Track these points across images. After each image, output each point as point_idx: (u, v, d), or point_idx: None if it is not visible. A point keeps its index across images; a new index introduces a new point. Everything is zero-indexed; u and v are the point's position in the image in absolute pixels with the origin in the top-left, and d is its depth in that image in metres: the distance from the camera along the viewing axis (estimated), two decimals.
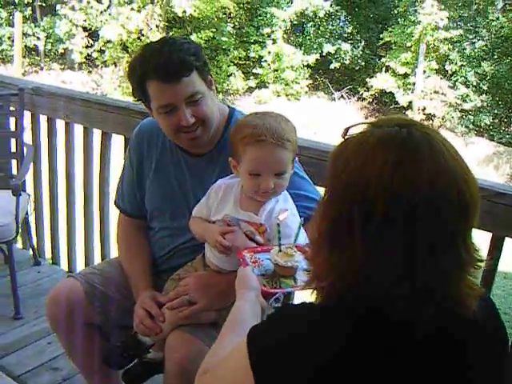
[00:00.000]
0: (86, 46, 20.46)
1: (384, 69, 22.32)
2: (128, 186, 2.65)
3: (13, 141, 3.99)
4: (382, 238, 1.24)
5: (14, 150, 3.99)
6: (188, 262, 2.39)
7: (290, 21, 22.94)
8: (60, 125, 3.92)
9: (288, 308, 1.46)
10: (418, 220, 1.22)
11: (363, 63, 23.73)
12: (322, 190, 2.82)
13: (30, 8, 21.19)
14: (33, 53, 21.77)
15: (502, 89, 21.01)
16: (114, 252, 3.48)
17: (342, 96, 23.35)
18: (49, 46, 21.38)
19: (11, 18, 19.76)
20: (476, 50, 21.63)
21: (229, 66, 21.92)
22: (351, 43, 23.66)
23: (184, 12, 19.62)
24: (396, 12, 22.92)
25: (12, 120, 4.00)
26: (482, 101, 20.97)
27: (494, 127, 20.76)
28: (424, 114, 20.68)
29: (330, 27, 24.12)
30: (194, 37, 20.33)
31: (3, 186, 3.80)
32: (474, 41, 21.88)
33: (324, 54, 23.01)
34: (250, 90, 22.55)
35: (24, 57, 20.71)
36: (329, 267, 1.35)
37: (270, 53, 22.29)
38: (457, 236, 1.27)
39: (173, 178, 2.48)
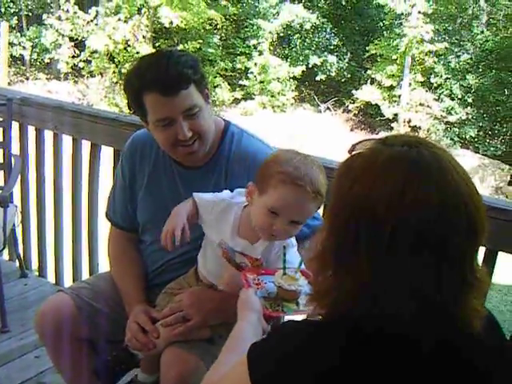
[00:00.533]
0: (73, 56, 20.39)
1: (370, 81, 22.45)
2: (120, 198, 2.61)
3: (0, 151, 3.94)
4: (389, 260, 1.23)
5: (1, 160, 3.93)
6: (180, 275, 2.36)
7: (277, 33, 23.05)
8: (48, 136, 3.88)
9: (288, 325, 1.40)
10: (426, 242, 1.21)
11: (349, 75, 23.86)
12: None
13: (16, 17, 21.14)
14: (18, 62, 21.69)
15: (486, 101, 21.18)
16: (102, 264, 3.46)
17: (327, 108, 23.43)
18: (35, 55, 21.31)
19: None
20: (461, 63, 21.82)
21: (215, 78, 21.93)
22: (337, 55, 23.79)
23: (171, 23, 19.63)
24: (382, 25, 23.11)
25: None
26: (466, 113, 21.12)
27: (478, 139, 20.90)
28: (409, 127, 20.79)
29: (316, 39, 24.24)
30: (180, 48, 20.34)
31: None
32: (458, 54, 22.08)
33: (310, 65, 23.10)
34: (236, 101, 22.58)
35: (10, 66, 20.61)
36: (332, 285, 1.33)
37: (256, 64, 22.36)
38: (464, 257, 1.26)
39: (166, 191, 2.45)
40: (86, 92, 20.55)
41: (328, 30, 24.43)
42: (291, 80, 22.84)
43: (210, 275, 2.21)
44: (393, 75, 21.66)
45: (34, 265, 4.36)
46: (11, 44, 20.13)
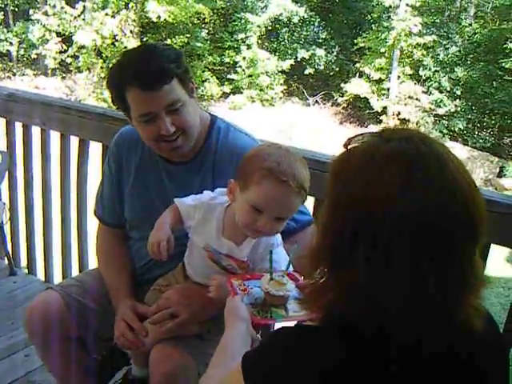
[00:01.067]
0: (60, 52, 20.30)
1: (358, 74, 22.46)
2: (107, 194, 2.59)
3: None
4: (388, 260, 1.19)
5: None
6: (169, 271, 2.33)
7: (265, 26, 23.02)
8: (36, 132, 3.84)
9: (281, 332, 1.36)
10: (425, 241, 1.18)
11: (337, 69, 23.87)
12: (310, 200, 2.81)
13: (2, 13, 20.99)
14: (5, 58, 21.59)
15: (475, 94, 21.23)
16: (92, 261, 3.42)
17: (316, 101, 23.44)
18: (22, 51, 21.19)
19: None
20: (449, 56, 21.85)
21: (203, 72, 21.92)
22: (325, 49, 23.79)
23: (158, 17, 19.58)
24: (370, 18, 23.11)
25: None
26: (455, 106, 21.17)
27: (467, 132, 20.96)
28: (398, 119, 20.82)
29: (305, 33, 24.25)
30: (168, 42, 20.28)
31: None
32: (447, 46, 22.11)
33: (298, 59, 23.11)
34: (225, 95, 22.57)
35: None
36: (327, 286, 1.31)
37: (244, 58, 22.34)
38: (464, 256, 1.23)
39: (152, 187, 2.42)
40: (73, 87, 20.48)
41: (316, 23, 24.43)
42: (280, 74, 22.83)
43: (196, 276, 2.19)
44: (381, 68, 21.68)
45: (23, 262, 4.33)
46: None
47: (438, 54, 21.88)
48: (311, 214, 2.87)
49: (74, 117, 3.53)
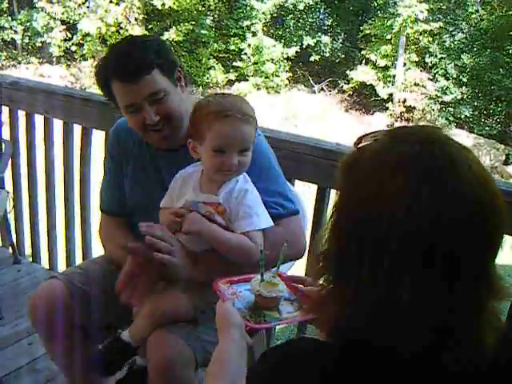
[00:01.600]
0: (65, 40, 20.25)
1: (364, 61, 22.33)
2: (109, 184, 2.63)
3: None
4: (396, 275, 1.13)
5: None
6: None
7: (270, 13, 22.88)
8: (39, 120, 3.84)
9: (286, 346, 1.32)
10: (437, 256, 1.10)
11: (343, 56, 23.76)
12: (298, 185, 2.81)
13: (7, 1, 20.91)
14: (10, 46, 21.53)
15: (481, 81, 21.09)
16: (95, 248, 3.43)
17: (322, 88, 23.33)
18: (26, 39, 21.15)
19: None
20: (456, 43, 21.71)
21: (208, 59, 21.85)
22: (331, 36, 23.68)
23: (163, 5, 19.49)
24: (375, 4, 22.98)
25: None
26: (461, 93, 21.04)
27: (474, 119, 20.84)
28: (404, 107, 20.71)
29: (310, 20, 24.13)
30: (173, 30, 20.28)
31: None
32: (453, 33, 21.97)
33: (304, 46, 22.97)
34: (230, 82, 22.47)
35: (1, 51, 20.53)
36: (331, 298, 1.26)
37: (249, 45, 22.21)
38: (479, 269, 1.15)
39: (151, 173, 2.47)
40: (78, 76, 20.42)
41: (322, 10, 24.31)
42: (285, 61, 22.71)
43: (186, 242, 2.21)
44: (387, 55, 21.52)
45: (28, 251, 4.34)
46: (2, 28, 20.05)
47: (445, 41, 21.73)
48: (314, 202, 2.90)
49: (77, 105, 3.55)
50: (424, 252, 1.10)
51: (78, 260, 3.92)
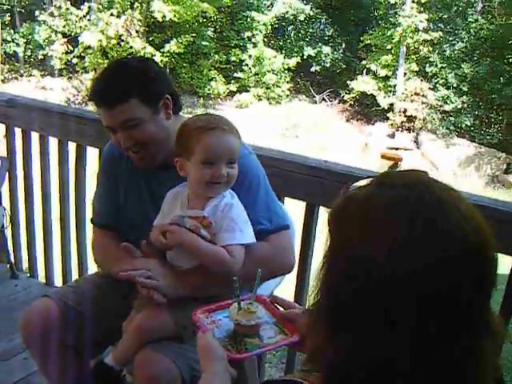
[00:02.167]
0: (66, 52, 20.31)
1: (365, 71, 22.39)
2: (102, 198, 2.65)
3: None
4: (390, 325, 1.09)
5: None
6: None
7: (271, 24, 23.01)
8: (35, 137, 3.89)
9: None
10: (428, 308, 1.07)
11: (344, 66, 23.80)
12: (287, 202, 2.85)
13: (9, 14, 21.03)
14: (12, 59, 21.62)
15: (482, 90, 21.13)
16: (91, 263, 3.46)
17: (323, 99, 23.39)
18: (28, 52, 21.25)
19: None
20: (456, 52, 21.76)
21: (210, 71, 21.92)
22: (332, 46, 23.75)
23: (164, 17, 19.54)
24: (376, 15, 23.08)
25: None
26: (462, 102, 21.08)
27: (474, 128, 20.86)
28: (405, 116, 20.73)
29: (311, 30, 24.24)
30: (174, 41, 20.32)
31: None
32: (453, 42, 22.01)
33: (305, 57, 23.08)
34: (231, 94, 22.54)
35: (3, 63, 20.59)
36: (327, 346, 1.20)
37: (250, 56, 22.31)
38: (473, 315, 1.11)
39: (144, 191, 2.50)
40: (80, 88, 20.49)
41: (322, 20, 24.41)
42: (286, 71, 22.80)
43: (172, 259, 2.27)
44: (388, 65, 21.59)
45: (25, 265, 4.37)
46: (4, 41, 20.14)
47: (445, 51, 21.78)
48: (303, 218, 2.94)
49: (72, 123, 3.58)
50: (415, 299, 1.08)
51: (75, 275, 3.96)
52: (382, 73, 21.45)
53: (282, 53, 23.02)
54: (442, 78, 21.47)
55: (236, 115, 18.59)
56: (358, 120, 22.54)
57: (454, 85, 21.26)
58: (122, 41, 19.97)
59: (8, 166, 3.97)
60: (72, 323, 2.40)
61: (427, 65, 21.70)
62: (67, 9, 19.75)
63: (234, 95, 22.45)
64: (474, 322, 1.12)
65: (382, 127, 20.90)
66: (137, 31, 20.08)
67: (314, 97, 23.44)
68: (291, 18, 23.27)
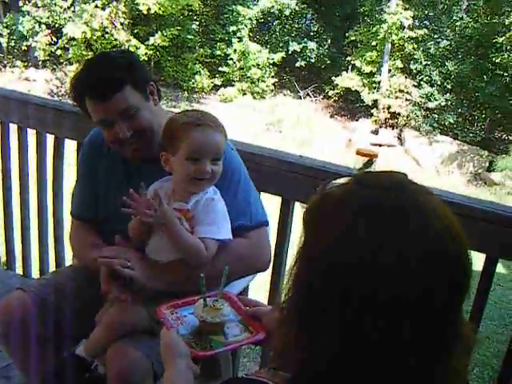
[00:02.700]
0: (50, 44, 20.18)
1: (350, 67, 22.43)
2: (80, 190, 2.67)
3: None
4: (359, 326, 1.09)
5: None
6: None
7: (256, 19, 22.97)
8: (13, 128, 3.87)
9: None
10: (401, 304, 1.07)
11: (329, 62, 23.81)
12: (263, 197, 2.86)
13: None
14: None
15: (465, 88, 21.23)
16: (68, 255, 3.46)
17: (307, 94, 23.41)
18: (12, 43, 21.07)
19: None
20: (440, 50, 21.83)
21: (194, 64, 21.84)
22: (317, 41, 23.74)
23: (148, 9, 19.45)
24: (362, 11, 23.05)
25: None
26: (446, 100, 21.18)
27: (458, 126, 20.95)
28: (389, 113, 20.81)
29: (296, 25, 24.23)
30: (158, 34, 20.22)
31: None
32: (438, 40, 22.09)
33: (290, 52, 23.06)
34: (216, 87, 22.49)
35: None
36: (295, 347, 1.19)
37: (235, 51, 22.26)
38: (447, 316, 1.12)
39: (124, 183, 2.47)
40: (64, 80, 20.35)
41: (308, 16, 24.41)
42: (271, 66, 22.79)
43: (151, 253, 2.29)
44: (372, 61, 21.63)
45: (2, 258, 4.36)
46: None
47: (429, 48, 21.83)
48: (278, 213, 2.95)
49: (50, 115, 3.56)
50: (392, 298, 1.07)
51: (52, 267, 3.95)
52: (367, 69, 21.49)
53: (267, 47, 22.99)
54: (426, 76, 21.55)
55: (220, 109, 18.60)
56: (342, 116, 22.58)
57: (438, 82, 21.36)
58: (107, 33, 19.87)
59: None
60: (48, 317, 2.40)
61: (412, 62, 21.77)
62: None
63: (218, 89, 22.41)
64: (445, 327, 1.12)
65: (366, 123, 20.97)
66: (121, 23, 19.98)
67: (298, 92, 23.45)
68: (277, 12, 23.23)
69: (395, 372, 1.10)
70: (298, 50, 23.10)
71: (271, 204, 2.97)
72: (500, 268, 7.26)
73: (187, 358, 1.63)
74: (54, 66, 21.28)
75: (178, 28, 20.96)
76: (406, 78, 21.50)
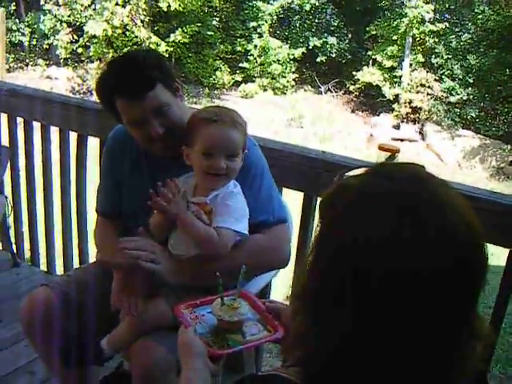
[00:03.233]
0: (71, 42, 20.33)
1: (371, 62, 22.31)
2: (104, 186, 2.69)
3: None
4: (378, 315, 1.08)
5: None
6: None
7: (276, 14, 22.93)
8: (37, 126, 3.91)
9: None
10: (416, 297, 1.06)
11: (350, 56, 23.71)
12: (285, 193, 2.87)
13: (14, 3, 21.03)
14: (18, 48, 21.63)
15: (487, 81, 21.01)
16: (92, 251, 3.49)
17: (328, 89, 23.33)
18: (34, 41, 21.26)
19: None
20: (462, 43, 21.64)
21: (215, 61, 21.89)
22: (337, 36, 23.64)
23: (169, 6, 19.50)
24: (382, 5, 22.91)
25: None
26: (468, 94, 20.99)
27: (480, 120, 20.77)
28: (410, 108, 20.67)
29: (317, 20, 24.13)
30: (179, 31, 20.26)
31: None
32: (459, 33, 21.89)
33: (310, 47, 22.99)
34: (237, 84, 22.51)
35: (9, 53, 20.58)
36: (309, 337, 1.18)
37: (256, 47, 22.25)
38: (461, 313, 1.11)
39: (147, 180, 2.47)
40: (85, 77, 20.48)
41: (328, 11, 24.30)
42: (291, 62, 22.75)
43: (172, 247, 2.30)
44: (393, 56, 21.51)
45: (27, 254, 4.41)
46: (10, 30, 20.08)
47: (451, 42, 21.66)
48: (300, 209, 2.96)
49: (73, 112, 3.60)
50: (404, 288, 1.06)
51: (75, 264, 3.99)
52: (388, 64, 21.37)
53: (287, 43, 22.96)
54: (447, 70, 21.38)
55: (241, 105, 18.58)
56: (363, 111, 22.48)
57: (460, 76, 21.18)
58: (127, 30, 19.96)
59: (10, 156, 3.99)
60: (71, 312, 2.41)
61: (433, 56, 21.60)
62: None
63: (239, 85, 22.41)
64: (460, 321, 1.10)
65: (387, 118, 20.84)
66: (142, 21, 20.05)
67: (319, 87, 23.38)
68: (297, 7, 23.20)
69: (405, 358, 1.09)
70: (319, 45, 23.03)
71: (294, 200, 2.98)
72: None
73: (204, 356, 1.63)
74: (76, 64, 21.42)
75: (199, 24, 21.00)
76: (427, 72, 21.34)
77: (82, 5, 19.81)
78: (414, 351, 1.09)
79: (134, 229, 2.48)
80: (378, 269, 1.06)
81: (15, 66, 21.01)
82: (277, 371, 1.25)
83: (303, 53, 22.67)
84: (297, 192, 2.95)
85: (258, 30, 22.58)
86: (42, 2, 20.15)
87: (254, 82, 22.39)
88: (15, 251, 4.27)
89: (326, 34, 23.44)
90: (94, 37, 19.71)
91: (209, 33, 21.72)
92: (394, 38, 21.25)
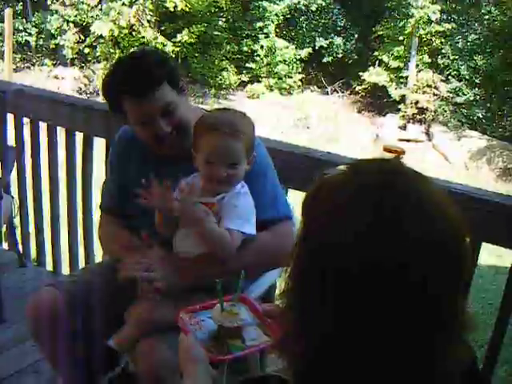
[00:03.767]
0: (78, 42, 20.33)
1: (377, 62, 22.27)
2: (109, 184, 2.72)
3: None
4: (358, 310, 1.08)
5: None
6: None
7: (283, 15, 22.89)
8: (43, 127, 3.92)
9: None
10: (398, 289, 1.06)
11: (356, 57, 23.65)
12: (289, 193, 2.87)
13: (21, 3, 21.06)
14: (25, 48, 21.60)
15: (494, 82, 20.93)
16: (97, 252, 3.50)
17: (335, 90, 23.29)
18: (40, 41, 21.27)
19: (1, 13, 19.61)
20: (468, 44, 21.59)
21: (221, 61, 21.85)
22: (344, 37, 23.59)
23: (175, 7, 19.49)
24: (389, 5, 22.86)
25: None
26: (474, 94, 20.94)
27: (486, 121, 20.70)
28: (417, 108, 20.60)
29: (323, 21, 24.06)
30: (185, 31, 20.27)
31: None
32: (466, 34, 21.83)
33: (317, 47, 22.96)
34: (243, 84, 22.48)
35: (15, 53, 20.61)
36: (295, 336, 1.19)
37: (262, 47, 22.22)
38: (442, 302, 1.10)
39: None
40: (92, 77, 20.50)
41: (335, 11, 24.22)
42: (298, 62, 22.70)
43: (178, 247, 2.35)
44: (400, 56, 21.44)
45: (33, 254, 4.42)
46: (17, 30, 20.08)
47: (457, 42, 21.60)
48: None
49: (80, 113, 3.61)
50: (386, 280, 1.06)
51: (81, 264, 4.00)
52: (394, 64, 21.32)
53: (293, 43, 22.91)
54: (454, 70, 21.33)
55: (248, 105, 18.58)
56: (369, 111, 22.44)
57: (467, 77, 21.13)
58: (134, 30, 19.94)
59: (16, 156, 4.00)
60: (78, 312, 2.43)
61: (439, 56, 21.55)
62: None
63: (245, 85, 22.39)
64: (442, 316, 1.10)
65: (394, 119, 20.79)
66: (148, 21, 20.03)
67: (325, 88, 23.35)
68: (303, 8, 23.13)
69: (387, 355, 1.09)
70: (325, 46, 22.99)
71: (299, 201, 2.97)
72: None
73: (205, 362, 1.64)
74: (82, 64, 21.43)
75: (205, 25, 21.00)
76: (433, 72, 21.29)
77: (88, 5, 19.81)
78: (397, 347, 1.09)
79: (138, 228, 2.51)
80: (356, 265, 1.06)
81: (22, 65, 21.02)
82: (278, 372, 1.29)
83: (310, 53, 22.63)
84: (302, 193, 2.95)
85: (265, 31, 22.55)
86: (48, 2, 20.15)
87: (260, 82, 22.37)
88: (21, 251, 4.28)
89: (332, 35, 23.39)
90: (101, 37, 19.70)
91: (215, 33, 21.71)
92: (401, 38, 21.19)
